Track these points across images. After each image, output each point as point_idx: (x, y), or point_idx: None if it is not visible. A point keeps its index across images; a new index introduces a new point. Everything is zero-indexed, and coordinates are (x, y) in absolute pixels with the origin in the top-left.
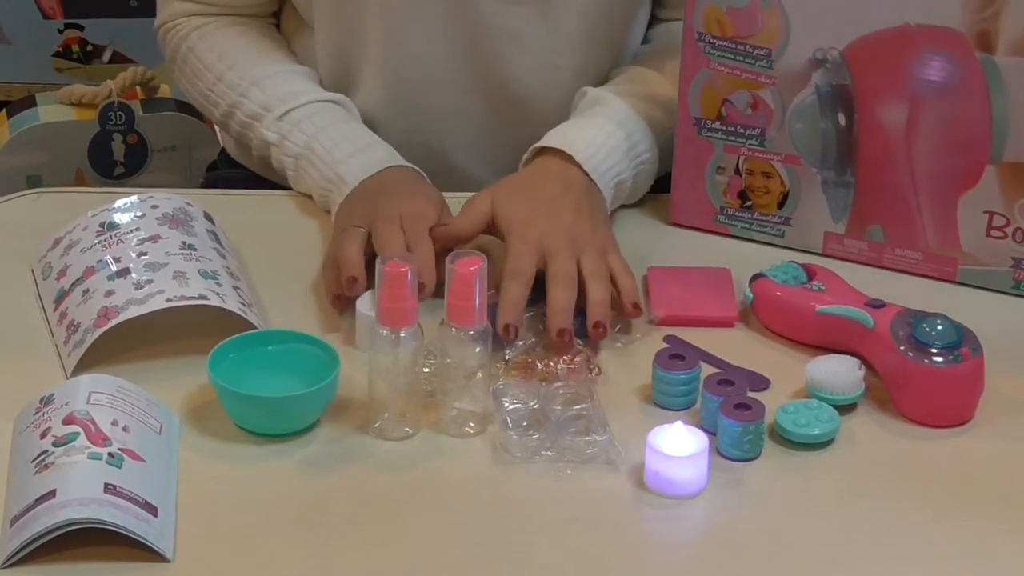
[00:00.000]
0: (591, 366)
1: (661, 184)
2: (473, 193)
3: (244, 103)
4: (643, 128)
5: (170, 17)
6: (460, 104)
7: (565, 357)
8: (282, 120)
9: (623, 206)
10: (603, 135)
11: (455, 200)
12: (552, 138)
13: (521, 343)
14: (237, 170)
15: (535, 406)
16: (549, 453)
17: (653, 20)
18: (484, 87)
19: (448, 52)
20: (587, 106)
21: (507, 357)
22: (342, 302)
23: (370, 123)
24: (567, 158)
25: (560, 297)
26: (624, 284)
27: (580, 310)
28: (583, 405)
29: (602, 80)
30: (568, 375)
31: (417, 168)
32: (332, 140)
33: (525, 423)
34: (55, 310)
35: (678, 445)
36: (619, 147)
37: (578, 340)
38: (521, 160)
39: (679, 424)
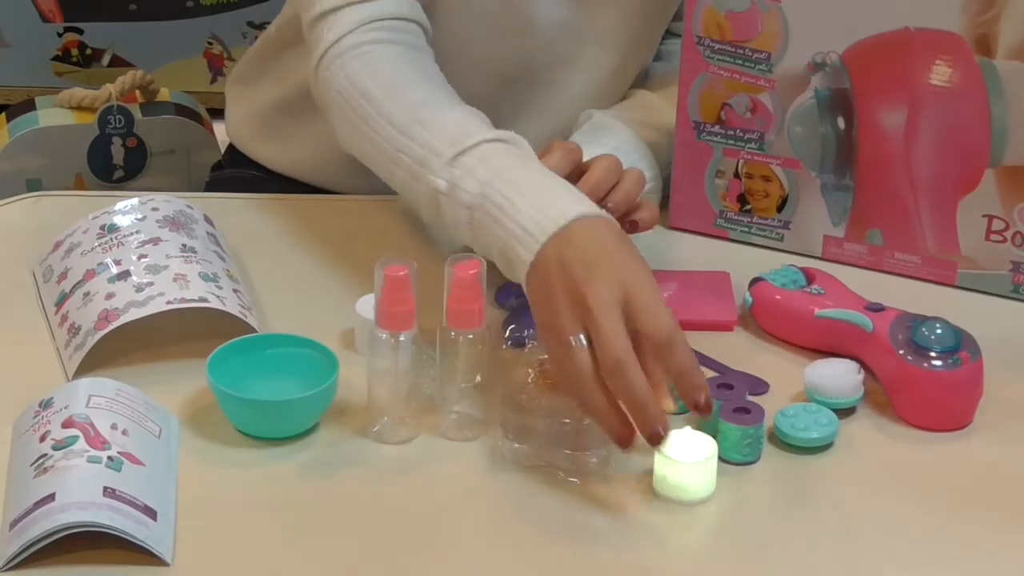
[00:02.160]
0: None
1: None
2: None
3: (411, 147)
4: (647, 157)
5: (330, 7)
6: (490, 91)
7: None
8: (453, 165)
9: None
10: None
11: None
12: None
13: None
14: (242, 170)
15: (544, 415)
16: (546, 464)
17: (666, 33)
18: (516, 75)
19: (483, 38)
20: (592, 130)
21: (540, 366)
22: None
23: None
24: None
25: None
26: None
27: None
28: (589, 420)
29: (630, 83)
30: None
31: (610, 217)
32: (512, 186)
33: (529, 432)
34: (56, 313)
35: (687, 451)
36: None
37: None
38: None
39: (688, 429)
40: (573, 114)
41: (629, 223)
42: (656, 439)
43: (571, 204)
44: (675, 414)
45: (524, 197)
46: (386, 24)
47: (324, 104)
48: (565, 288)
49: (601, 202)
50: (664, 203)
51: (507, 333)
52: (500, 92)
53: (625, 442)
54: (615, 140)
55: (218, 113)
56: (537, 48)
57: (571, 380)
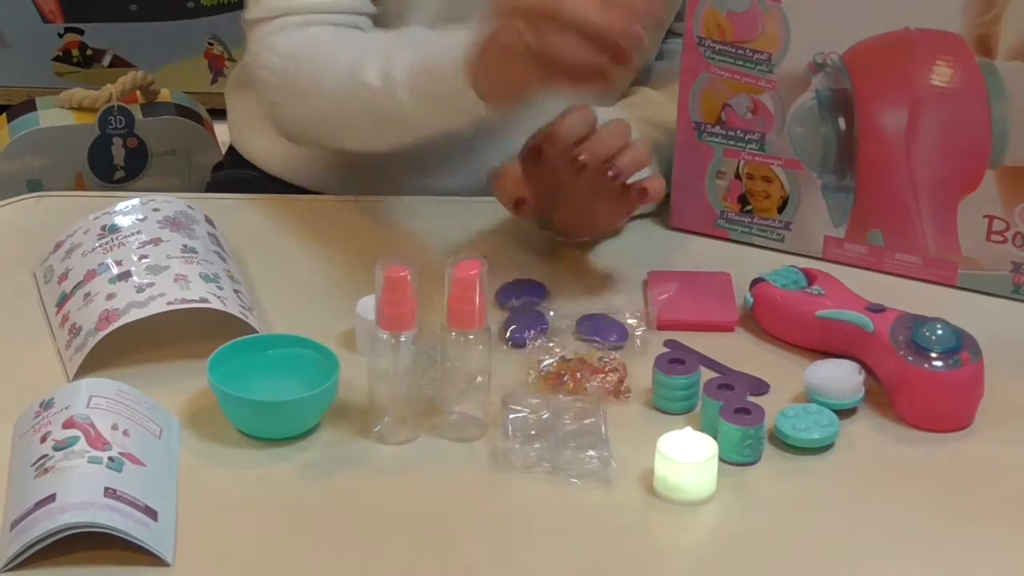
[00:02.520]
0: (623, 387)
1: None
2: (473, 188)
3: (362, 69)
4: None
5: (270, 13)
6: None
7: (599, 375)
8: (383, 62)
9: None
10: None
11: (467, 203)
12: None
13: (558, 356)
14: (244, 170)
15: (545, 416)
16: (547, 465)
17: (668, 33)
18: None
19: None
20: None
21: (541, 367)
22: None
23: None
24: None
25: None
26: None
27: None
28: (590, 420)
29: (631, 82)
30: (603, 394)
31: None
32: (431, 42)
33: (529, 433)
34: (57, 313)
35: (688, 451)
36: None
37: (615, 354)
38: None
39: (688, 430)
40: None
41: (639, 190)
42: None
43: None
44: (675, 414)
45: (441, 40)
46: (318, 18)
47: (259, 89)
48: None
49: (608, 162)
50: (665, 203)
51: (507, 333)
52: None
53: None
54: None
55: (219, 114)
56: None
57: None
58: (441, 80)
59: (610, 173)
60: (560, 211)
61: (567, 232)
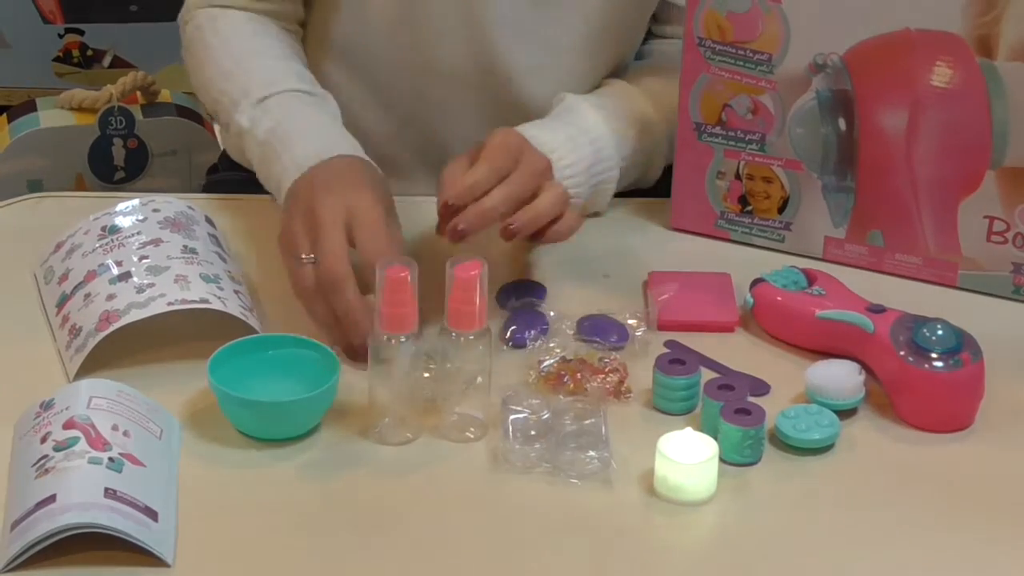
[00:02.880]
0: (623, 387)
1: (662, 189)
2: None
3: (229, 89)
4: (611, 144)
5: (192, 7)
6: (461, 95)
7: (600, 376)
8: (257, 107)
9: (622, 210)
10: (571, 146)
11: None
12: (522, 129)
13: (558, 356)
14: (238, 172)
15: (545, 417)
16: (547, 466)
17: (648, 35)
18: (486, 81)
19: (454, 41)
20: (560, 113)
21: (542, 367)
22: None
23: (371, 101)
24: None
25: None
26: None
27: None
28: (591, 420)
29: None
30: (604, 394)
31: (372, 163)
32: (298, 129)
33: (529, 433)
34: (57, 314)
35: (688, 452)
36: (583, 160)
37: (615, 355)
38: None
39: (689, 430)
40: (541, 116)
41: (536, 232)
42: (353, 352)
43: (342, 148)
44: (676, 415)
45: (305, 140)
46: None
47: (184, 54)
48: (303, 207)
49: (507, 222)
50: (665, 204)
51: (508, 334)
52: (465, 94)
53: (349, 352)
54: (580, 122)
55: None
56: (497, 53)
57: (298, 292)
58: (271, 176)
59: (511, 227)
60: None
61: None
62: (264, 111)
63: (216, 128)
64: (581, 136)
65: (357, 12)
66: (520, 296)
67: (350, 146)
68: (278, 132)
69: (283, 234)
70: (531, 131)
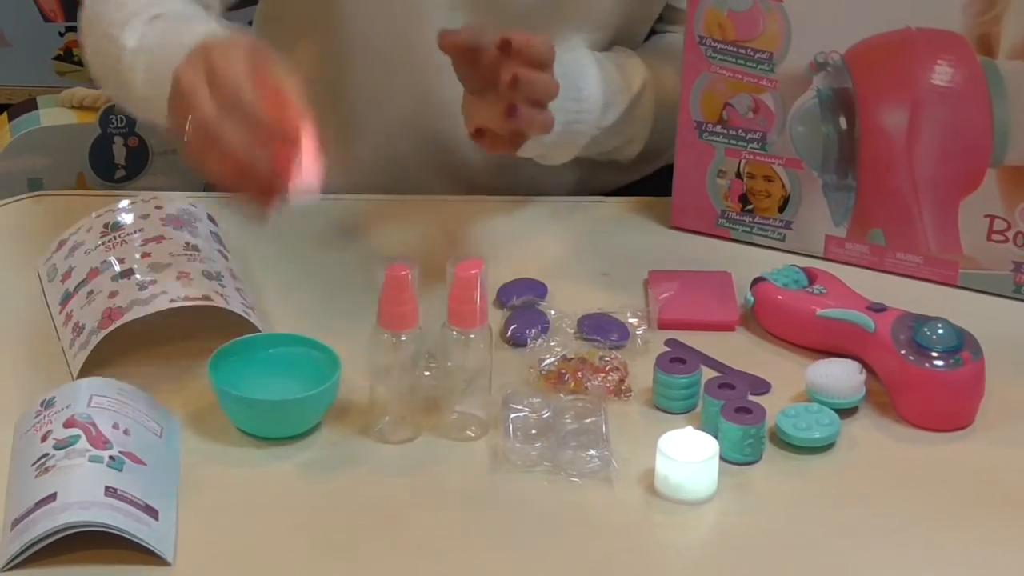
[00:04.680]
0: (624, 386)
1: (662, 188)
2: (474, 186)
3: (116, 26)
4: (596, 78)
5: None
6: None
7: (600, 374)
8: (150, 24)
9: (623, 209)
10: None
11: (459, 204)
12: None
13: (559, 355)
14: None
15: (546, 416)
16: (548, 464)
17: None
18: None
19: (456, 18)
20: (564, 52)
21: (542, 366)
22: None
23: (376, 101)
24: None
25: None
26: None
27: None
28: (591, 419)
29: None
30: (604, 393)
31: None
32: (187, 26)
33: (530, 432)
34: (61, 312)
35: (689, 450)
36: (566, 93)
37: (615, 353)
38: None
39: (689, 429)
40: None
41: (511, 107)
42: (267, 198)
43: (221, 31)
44: (676, 413)
45: (195, 28)
46: None
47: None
48: (197, 65)
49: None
50: (666, 203)
51: (508, 333)
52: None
53: (262, 197)
54: (570, 55)
55: None
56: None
57: (198, 130)
58: (164, 76)
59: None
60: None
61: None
62: (151, 25)
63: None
64: (569, 65)
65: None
66: (520, 295)
67: (235, 33)
68: (167, 32)
69: (175, 93)
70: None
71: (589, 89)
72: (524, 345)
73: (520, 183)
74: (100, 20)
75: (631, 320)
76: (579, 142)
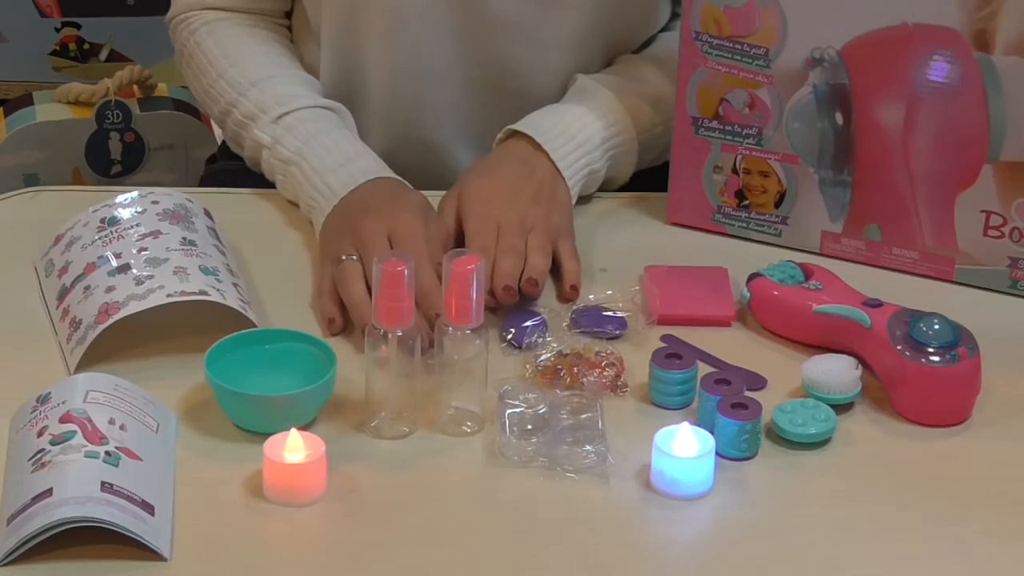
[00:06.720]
0: (620, 382)
1: (658, 183)
2: None
3: (242, 103)
4: (625, 121)
5: (183, 9)
6: (461, 97)
7: (596, 370)
8: (277, 123)
9: (620, 204)
10: (579, 125)
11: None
12: (527, 123)
13: (555, 351)
14: (237, 162)
15: (542, 411)
16: (544, 460)
17: (674, 18)
18: (485, 81)
19: (450, 44)
20: (573, 94)
21: (538, 361)
22: (338, 326)
23: (372, 115)
24: (537, 145)
25: (504, 264)
26: (568, 267)
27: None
28: (587, 415)
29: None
30: (600, 388)
31: (400, 179)
32: (324, 148)
33: (526, 427)
34: (58, 307)
35: (685, 446)
36: (593, 138)
37: (612, 349)
38: (495, 139)
39: (685, 425)
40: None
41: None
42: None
43: (370, 170)
44: (672, 409)
45: (334, 165)
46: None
47: (177, 58)
48: (345, 226)
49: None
50: (662, 198)
51: (504, 328)
52: (467, 94)
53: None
54: (595, 103)
55: None
56: (500, 50)
57: (343, 285)
58: (299, 196)
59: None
60: None
61: None
62: (285, 129)
63: (214, 124)
64: (590, 115)
65: (351, 23)
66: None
67: (378, 166)
68: (304, 154)
69: (325, 249)
70: (541, 124)
71: (614, 115)
72: (520, 341)
73: None
74: (218, 84)
75: (627, 315)
76: (628, 161)
